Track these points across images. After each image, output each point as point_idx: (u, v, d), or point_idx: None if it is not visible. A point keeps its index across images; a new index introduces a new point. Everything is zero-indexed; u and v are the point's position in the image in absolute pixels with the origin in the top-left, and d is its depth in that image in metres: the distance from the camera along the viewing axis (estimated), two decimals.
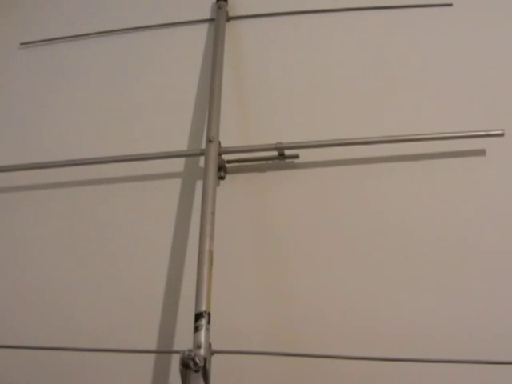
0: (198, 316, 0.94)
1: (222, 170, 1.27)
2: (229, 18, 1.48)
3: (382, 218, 1.21)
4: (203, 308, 0.94)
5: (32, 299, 1.29)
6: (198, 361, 0.86)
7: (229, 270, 1.20)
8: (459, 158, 1.22)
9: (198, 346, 0.90)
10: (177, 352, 0.98)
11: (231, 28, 1.47)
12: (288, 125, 1.33)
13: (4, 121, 1.51)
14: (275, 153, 1.25)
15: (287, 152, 1.24)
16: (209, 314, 0.94)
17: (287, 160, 1.26)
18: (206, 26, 1.50)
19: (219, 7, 1.47)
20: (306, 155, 1.26)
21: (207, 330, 0.93)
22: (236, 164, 1.28)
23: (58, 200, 1.37)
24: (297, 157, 1.26)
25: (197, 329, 0.92)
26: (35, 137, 1.46)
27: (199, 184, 1.27)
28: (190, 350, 0.87)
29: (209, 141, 1.20)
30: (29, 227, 1.36)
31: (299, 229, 1.23)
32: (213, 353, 0.94)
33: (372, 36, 1.39)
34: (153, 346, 1.19)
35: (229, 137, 1.27)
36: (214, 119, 1.24)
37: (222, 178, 1.28)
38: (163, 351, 1.19)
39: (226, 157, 1.26)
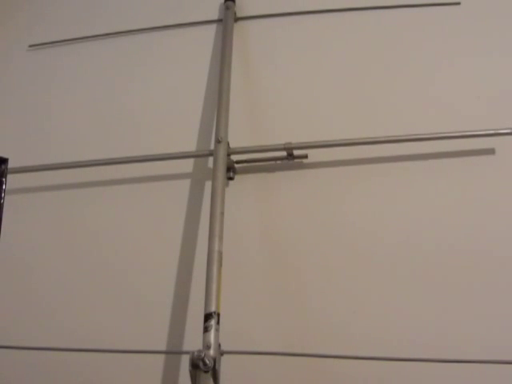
0: (208, 316, 0.94)
1: (230, 170, 1.27)
2: (237, 19, 1.48)
3: (392, 218, 1.20)
4: (213, 308, 0.94)
5: (43, 302, 1.30)
6: (207, 361, 0.87)
7: (238, 271, 1.20)
8: (469, 156, 1.21)
9: (208, 347, 0.90)
10: (186, 353, 0.98)
11: (239, 28, 1.47)
12: (297, 125, 1.32)
13: (15, 122, 1.51)
14: (284, 153, 1.25)
15: (296, 152, 1.24)
16: (218, 315, 0.94)
17: (296, 160, 1.26)
18: (214, 26, 1.50)
19: (227, 8, 1.47)
20: (314, 155, 1.26)
21: (217, 330, 0.93)
22: (245, 164, 1.28)
23: (67, 201, 1.38)
24: (306, 157, 1.26)
25: (206, 329, 0.93)
26: (45, 138, 1.47)
27: (208, 184, 1.27)
28: (199, 351, 0.88)
29: (217, 141, 1.20)
30: (40, 228, 1.37)
31: (308, 229, 1.23)
32: (222, 353, 0.94)
33: (381, 35, 1.38)
34: (162, 347, 1.19)
35: (237, 137, 1.27)
36: (222, 120, 1.24)
37: (230, 178, 1.28)
38: (173, 352, 1.19)
39: (234, 157, 1.26)
